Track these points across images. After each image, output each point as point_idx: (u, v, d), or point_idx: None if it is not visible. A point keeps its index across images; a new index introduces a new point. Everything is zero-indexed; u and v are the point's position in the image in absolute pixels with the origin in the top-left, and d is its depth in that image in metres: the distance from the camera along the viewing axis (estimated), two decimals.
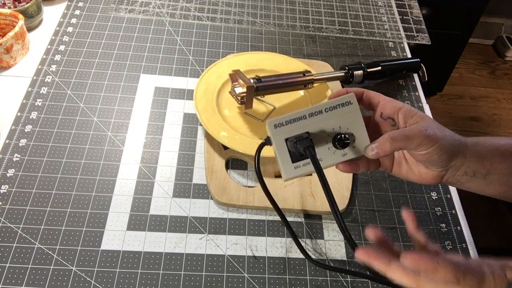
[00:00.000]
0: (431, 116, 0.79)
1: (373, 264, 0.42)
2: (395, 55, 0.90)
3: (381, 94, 0.49)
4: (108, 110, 0.73)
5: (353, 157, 0.48)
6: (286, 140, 0.46)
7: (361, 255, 0.43)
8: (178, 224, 0.61)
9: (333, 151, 0.47)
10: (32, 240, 0.57)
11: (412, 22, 0.96)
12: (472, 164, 0.46)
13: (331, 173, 0.67)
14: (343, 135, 0.46)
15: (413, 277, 0.40)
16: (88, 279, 0.55)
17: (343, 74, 0.77)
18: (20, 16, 0.78)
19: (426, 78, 0.84)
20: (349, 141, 0.46)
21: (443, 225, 0.65)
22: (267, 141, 0.47)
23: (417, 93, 0.83)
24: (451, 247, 0.63)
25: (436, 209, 0.67)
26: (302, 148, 0.44)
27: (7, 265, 0.55)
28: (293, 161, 0.46)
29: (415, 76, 0.86)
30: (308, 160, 0.46)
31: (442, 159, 0.45)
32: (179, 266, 0.57)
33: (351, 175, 0.68)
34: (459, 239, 0.64)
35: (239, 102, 0.68)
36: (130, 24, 0.87)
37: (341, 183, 0.66)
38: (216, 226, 0.61)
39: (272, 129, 0.46)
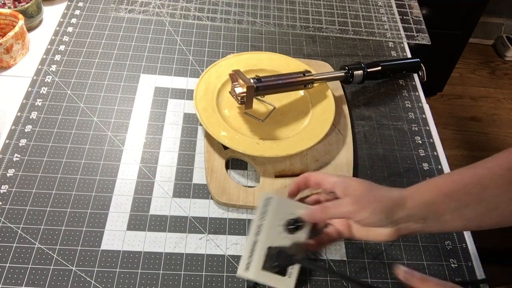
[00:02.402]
0: (431, 117, 0.79)
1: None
2: (395, 55, 0.90)
3: (320, 172, 0.55)
4: (108, 110, 0.73)
5: (309, 230, 0.53)
6: (266, 268, 0.50)
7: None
8: (178, 224, 0.61)
9: (293, 236, 0.52)
10: (32, 240, 0.57)
11: (412, 22, 0.96)
12: (417, 212, 0.48)
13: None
14: (291, 221, 0.52)
15: None
16: (88, 279, 0.55)
17: (343, 74, 0.77)
18: (20, 16, 0.78)
19: (425, 78, 0.84)
20: (300, 223, 0.52)
21: None
22: (253, 285, 0.53)
23: (417, 93, 0.83)
24: (451, 247, 0.63)
25: None
26: (290, 263, 0.50)
27: (7, 265, 0.55)
28: (285, 275, 0.51)
29: (415, 76, 0.86)
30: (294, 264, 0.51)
31: (380, 219, 0.48)
32: (179, 266, 0.57)
33: (351, 175, 0.68)
34: (459, 239, 0.64)
35: (239, 102, 0.68)
36: (130, 24, 0.87)
37: None
38: (216, 226, 0.61)
39: (247, 274, 0.49)
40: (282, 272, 0.50)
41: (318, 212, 0.51)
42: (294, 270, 0.51)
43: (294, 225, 0.52)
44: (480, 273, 0.61)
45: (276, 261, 0.50)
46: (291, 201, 0.54)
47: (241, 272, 0.49)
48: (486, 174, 0.47)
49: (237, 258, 0.59)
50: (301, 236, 0.52)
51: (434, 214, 0.48)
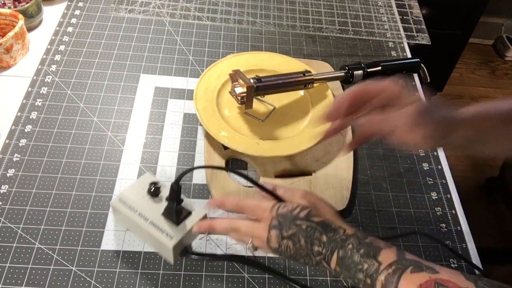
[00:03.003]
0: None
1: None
2: (395, 55, 0.90)
3: (374, 82, 0.51)
4: (108, 110, 0.73)
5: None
6: (177, 223, 0.52)
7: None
8: None
9: (161, 196, 0.54)
10: (32, 240, 0.57)
11: (412, 22, 0.96)
12: (466, 137, 0.49)
13: (331, 174, 0.67)
14: (150, 191, 0.54)
15: None
16: (88, 279, 0.55)
17: (343, 74, 0.77)
18: (20, 16, 0.78)
19: (428, 79, 0.84)
20: (156, 185, 0.54)
21: (443, 225, 0.65)
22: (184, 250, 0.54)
23: (417, 93, 0.83)
24: (451, 247, 0.63)
25: (436, 209, 0.67)
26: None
27: (7, 265, 0.55)
28: (190, 210, 0.54)
29: (415, 76, 0.86)
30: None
31: (431, 144, 0.48)
32: (179, 266, 0.57)
33: (350, 175, 0.68)
34: (459, 239, 0.64)
35: (239, 102, 0.68)
36: (130, 24, 0.87)
37: (341, 183, 0.66)
38: None
39: (176, 239, 0.51)
40: (187, 211, 0.53)
41: (376, 122, 0.49)
42: (191, 201, 0.53)
43: (154, 189, 0.54)
44: (479, 273, 0.61)
45: (176, 213, 0.52)
46: (132, 185, 0.56)
47: (170, 243, 0.50)
48: None
49: (237, 258, 0.59)
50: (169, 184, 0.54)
51: (480, 140, 0.49)
